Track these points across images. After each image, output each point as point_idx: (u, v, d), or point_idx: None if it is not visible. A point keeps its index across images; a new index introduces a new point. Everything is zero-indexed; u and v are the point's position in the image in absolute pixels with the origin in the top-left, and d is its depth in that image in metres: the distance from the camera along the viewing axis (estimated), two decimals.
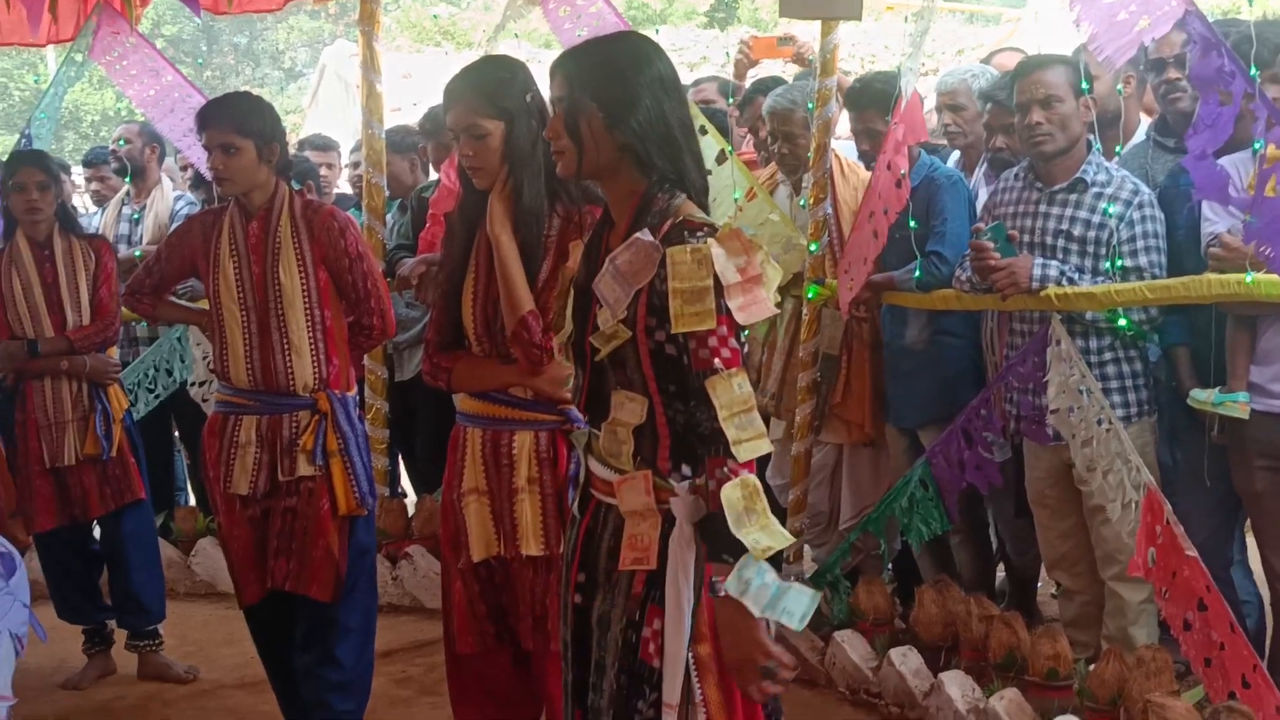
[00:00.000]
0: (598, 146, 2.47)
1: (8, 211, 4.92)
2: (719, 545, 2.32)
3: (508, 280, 3.20)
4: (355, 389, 4.13)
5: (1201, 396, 3.89)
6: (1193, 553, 3.63)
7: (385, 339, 4.17)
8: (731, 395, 2.32)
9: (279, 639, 4.04)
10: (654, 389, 2.42)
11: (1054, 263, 4.06)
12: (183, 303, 4.42)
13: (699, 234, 2.36)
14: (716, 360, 2.33)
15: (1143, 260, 4.07)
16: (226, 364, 3.91)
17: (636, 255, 2.38)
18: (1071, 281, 4.02)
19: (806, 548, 5.41)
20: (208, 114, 3.93)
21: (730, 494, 2.30)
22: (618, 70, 2.48)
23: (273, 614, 4.02)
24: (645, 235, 2.38)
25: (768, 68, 6.79)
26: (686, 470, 2.42)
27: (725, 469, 2.31)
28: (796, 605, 2.30)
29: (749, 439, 2.33)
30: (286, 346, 3.86)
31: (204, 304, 4.19)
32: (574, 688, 2.59)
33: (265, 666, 4.15)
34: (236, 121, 3.85)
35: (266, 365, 3.87)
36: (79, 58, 6.05)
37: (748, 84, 6.08)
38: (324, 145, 7.11)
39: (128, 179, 6.61)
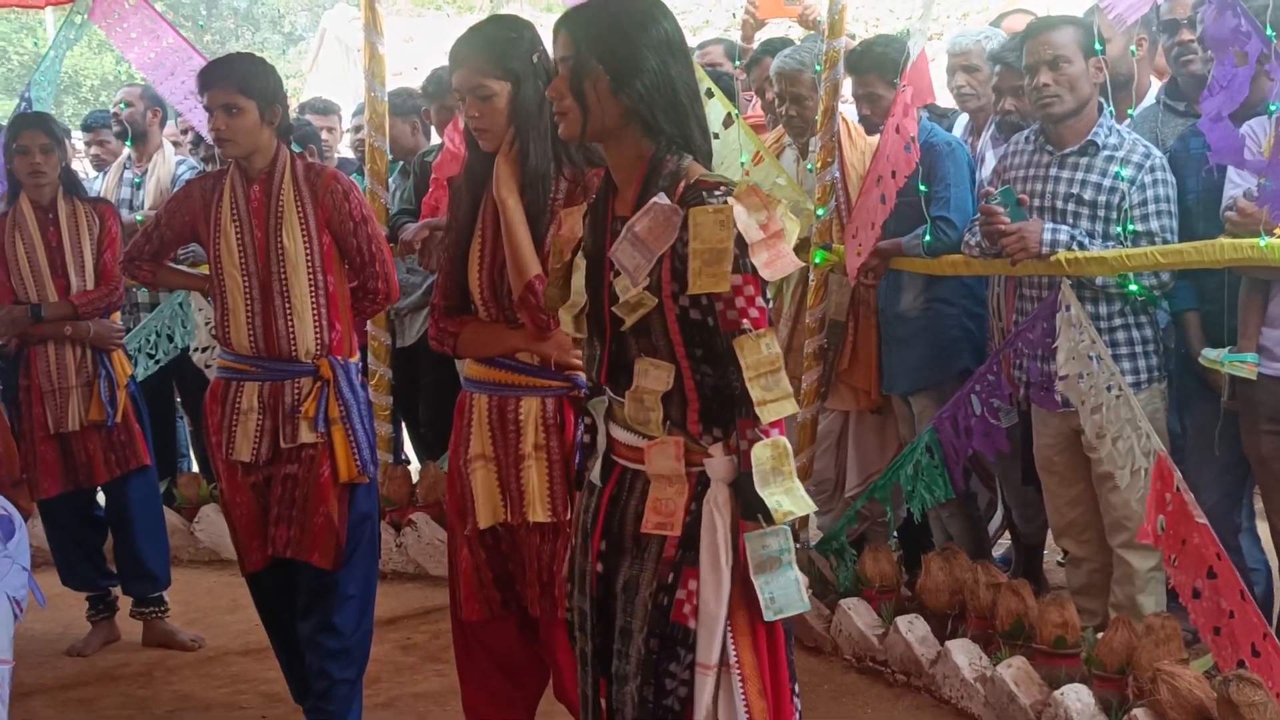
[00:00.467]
0: (603, 109, 2.44)
1: (11, 175, 4.89)
2: (752, 505, 2.35)
3: (514, 244, 3.17)
4: (358, 355, 4.09)
5: (1211, 355, 3.89)
6: (1203, 520, 3.61)
7: (389, 304, 4.13)
8: (759, 355, 2.33)
9: (282, 606, 4.03)
10: (681, 354, 2.41)
11: (1064, 227, 4.03)
12: (183, 268, 4.39)
13: (717, 193, 2.35)
14: (745, 320, 2.34)
15: (1154, 225, 4.03)
16: (228, 329, 3.88)
17: (656, 220, 2.36)
18: (1082, 246, 3.99)
19: (812, 515, 5.39)
20: (210, 74, 3.88)
21: (760, 453, 2.34)
22: (624, 31, 2.44)
23: (275, 581, 4.00)
24: (662, 199, 2.36)
25: (774, 29, 6.72)
26: (718, 433, 2.43)
27: (755, 430, 2.34)
28: (784, 593, 2.37)
29: (774, 399, 2.35)
30: (289, 312, 3.83)
31: (205, 269, 4.15)
32: (595, 655, 2.57)
33: (268, 634, 4.14)
34: (239, 82, 3.80)
35: (269, 331, 3.83)
36: (78, 19, 6.00)
37: (755, 46, 6.02)
38: (325, 109, 7.05)
39: (128, 143, 6.58)
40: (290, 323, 3.83)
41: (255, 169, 3.87)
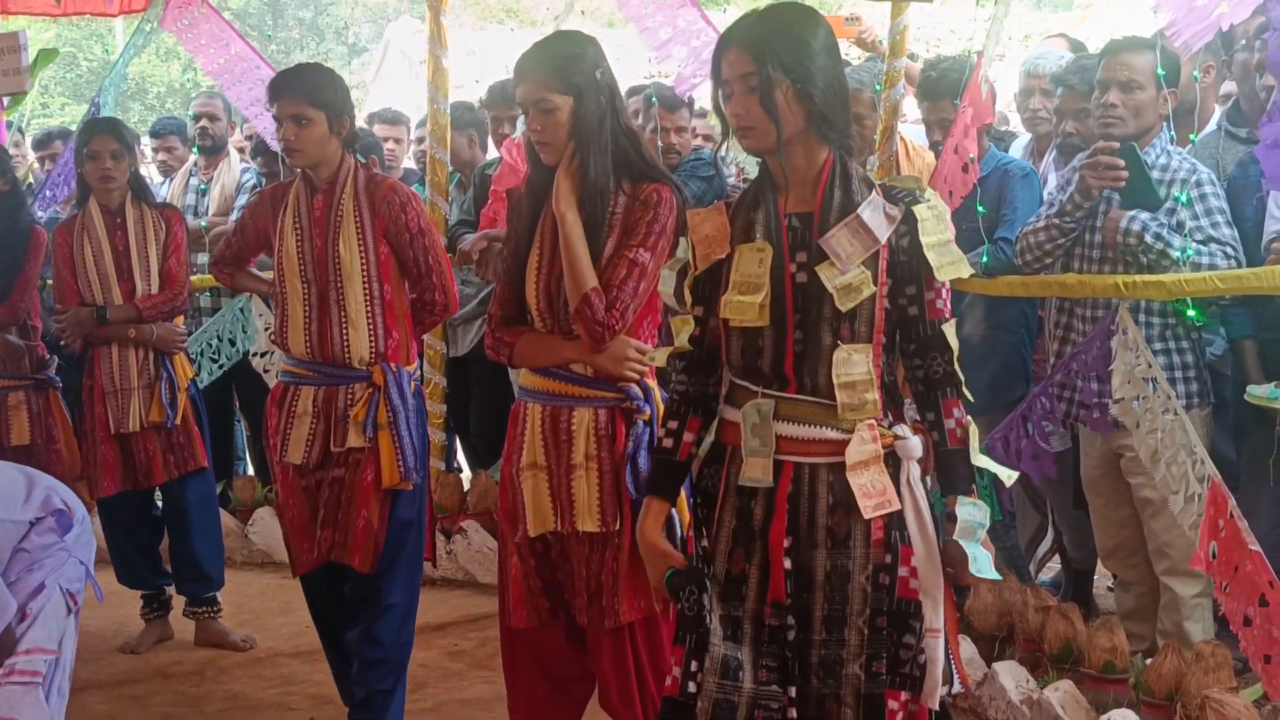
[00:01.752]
0: (792, 117, 2.54)
1: (81, 179, 4.98)
2: (959, 480, 2.59)
3: (571, 257, 3.20)
4: (416, 363, 4.12)
5: (1257, 391, 3.85)
6: (1256, 547, 3.58)
7: (448, 315, 4.14)
8: (955, 341, 2.58)
9: (332, 609, 4.07)
10: (877, 341, 2.56)
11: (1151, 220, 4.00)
12: (259, 274, 4.45)
13: (919, 194, 2.57)
14: (947, 310, 2.58)
15: (1225, 232, 3.99)
16: (286, 335, 3.93)
17: (877, 213, 2.54)
18: (1159, 237, 3.96)
19: None
20: (280, 85, 3.92)
21: (972, 430, 2.60)
22: (799, 38, 2.55)
23: (325, 584, 4.04)
24: (878, 197, 2.55)
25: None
26: (893, 416, 2.62)
27: (961, 409, 2.59)
28: (983, 558, 2.56)
29: (961, 381, 2.61)
30: (343, 320, 3.87)
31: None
32: (794, 655, 2.59)
33: (320, 636, 4.18)
34: (309, 93, 3.85)
35: (324, 337, 3.88)
36: (149, 26, 6.10)
37: None
38: (393, 119, 7.11)
39: (196, 149, 6.67)
40: (345, 330, 3.87)
41: (321, 178, 3.92)
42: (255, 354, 6.13)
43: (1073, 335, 4.25)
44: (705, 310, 2.71)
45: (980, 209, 4.41)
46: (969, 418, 2.59)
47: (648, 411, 3.00)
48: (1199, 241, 3.96)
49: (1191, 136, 4.44)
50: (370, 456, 3.88)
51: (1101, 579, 5.29)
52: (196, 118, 6.65)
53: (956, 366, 2.57)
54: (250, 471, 6.92)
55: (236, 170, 6.61)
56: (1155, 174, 4.06)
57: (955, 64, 4.97)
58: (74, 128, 5.72)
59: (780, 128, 2.53)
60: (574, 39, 3.35)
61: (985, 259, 4.45)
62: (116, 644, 5.09)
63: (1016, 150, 5.27)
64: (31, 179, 6.92)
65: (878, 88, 4.85)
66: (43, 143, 7.17)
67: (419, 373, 4.23)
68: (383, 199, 3.89)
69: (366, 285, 3.87)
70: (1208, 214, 4.01)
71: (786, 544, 2.59)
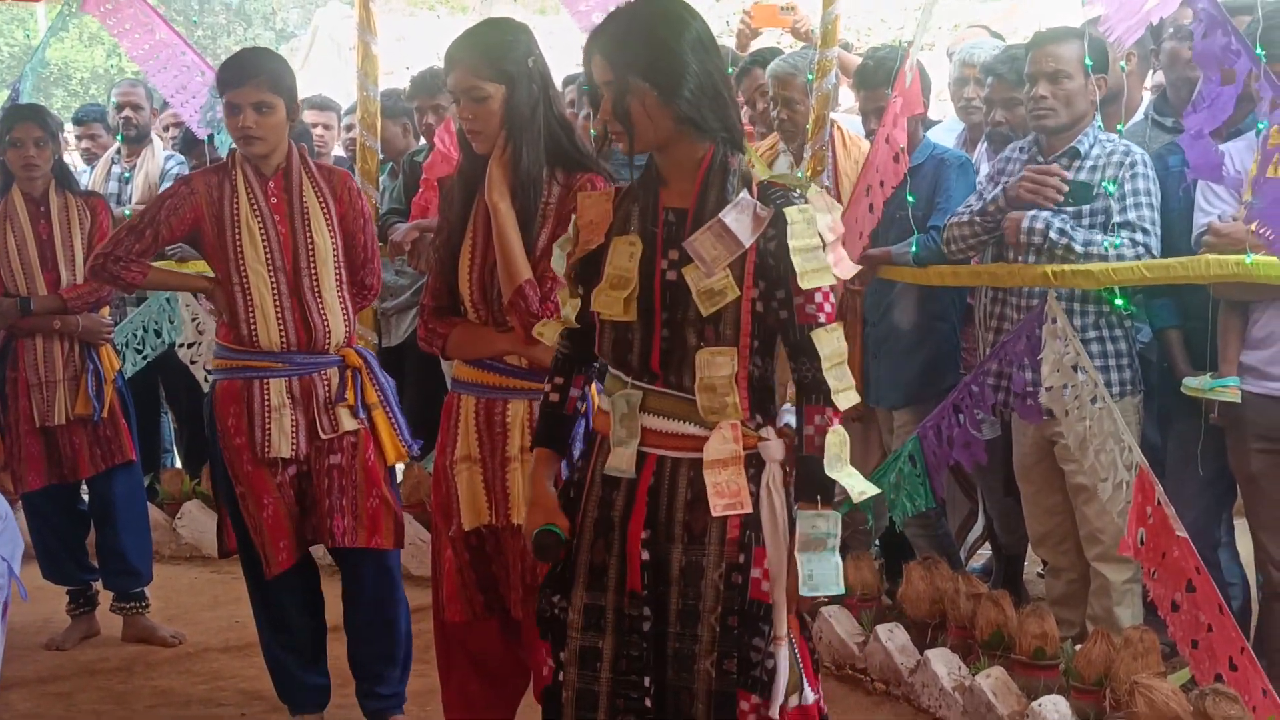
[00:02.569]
0: (654, 123, 2.52)
1: (4, 167, 4.88)
2: (811, 486, 2.52)
3: (505, 248, 3.17)
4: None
5: (1194, 384, 3.90)
6: (1183, 534, 3.64)
7: (374, 300, 4.25)
8: (834, 347, 2.51)
9: (295, 607, 4.03)
10: (744, 344, 2.53)
11: (1054, 217, 4.04)
12: (177, 270, 4.36)
13: (794, 194, 2.51)
14: (821, 315, 2.51)
15: (1131, 215, 4.02)
16: (254, 327, 3.82)
17: (743, 215, 2.48)
18: (1063, 233, 4.00)
19: None
20: (238, 71, 3.79)
21: (832, 439, 2.51)
22: (661, 41, 2.50)
23: (298, 581, 4.01)
24: (748, 197, 2.49)
25: (767, 39, 6.75)
26: (760, 419, 2.59)
27: (824, 416, 2.51)
28: (823, 573, 2.51)
29: (845, 389, 2.53)
30: (321, 306, 3.84)
31: (188, 267, 4.12)
32: (650, 645, 2.60)
33: (269, 636, 4.07)
34: (271, 79, 3.77)
35: (300, 326, 3.83)
36: (70, 9, 5.98)
37: (746, 53, 6.04)
38: (323, 105, 7.00)
39: (119, 137, 6.56)
40: (324, 316, 3.85)
41: (271, 165, 3.85)
42: (181, 345, 6.04)
43: (1005, 325, 4.29)
44: (585, 292, 2.71)
45: (910, 198, 4.43)
46: (836, 427, 2.52)
47: (583, 406, 2.99)
48: (1117, 224, 4.00)
49: (1119, 126, 4.48)
50: (366, 437, 3.90)
51: (1031, 565, 5.35)
52: (120, 107, 6.53)
53: (825, 374, 2.50)
54: (178, 464, 6.83)
55: (160, 158, 6.51)
56: (1088, 164, 4.10)
57: (891, 52, 4.98)
58: None
59: (634, 134, 2.53)
60: (506, 26, 3.32)
61: (915, 248, 4.48)
62: (41, 640, 5.01)
63: (938, 135, 5.29)
64: None
65: (810, 76, 4.86)
66: None
67: None
68: (342, 185, 3.92)
69: (337, 270, 3.88)
70: (1132, 194, 4.04)
71: (644, 536, 2.60)
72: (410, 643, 4.09)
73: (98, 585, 5.11)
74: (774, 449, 2.57)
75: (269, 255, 3.82)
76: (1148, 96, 4.88)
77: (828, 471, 2.49)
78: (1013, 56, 4.55)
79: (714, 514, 2.54)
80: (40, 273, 4.78)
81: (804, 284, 2.48)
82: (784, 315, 2.53)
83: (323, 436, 3.86)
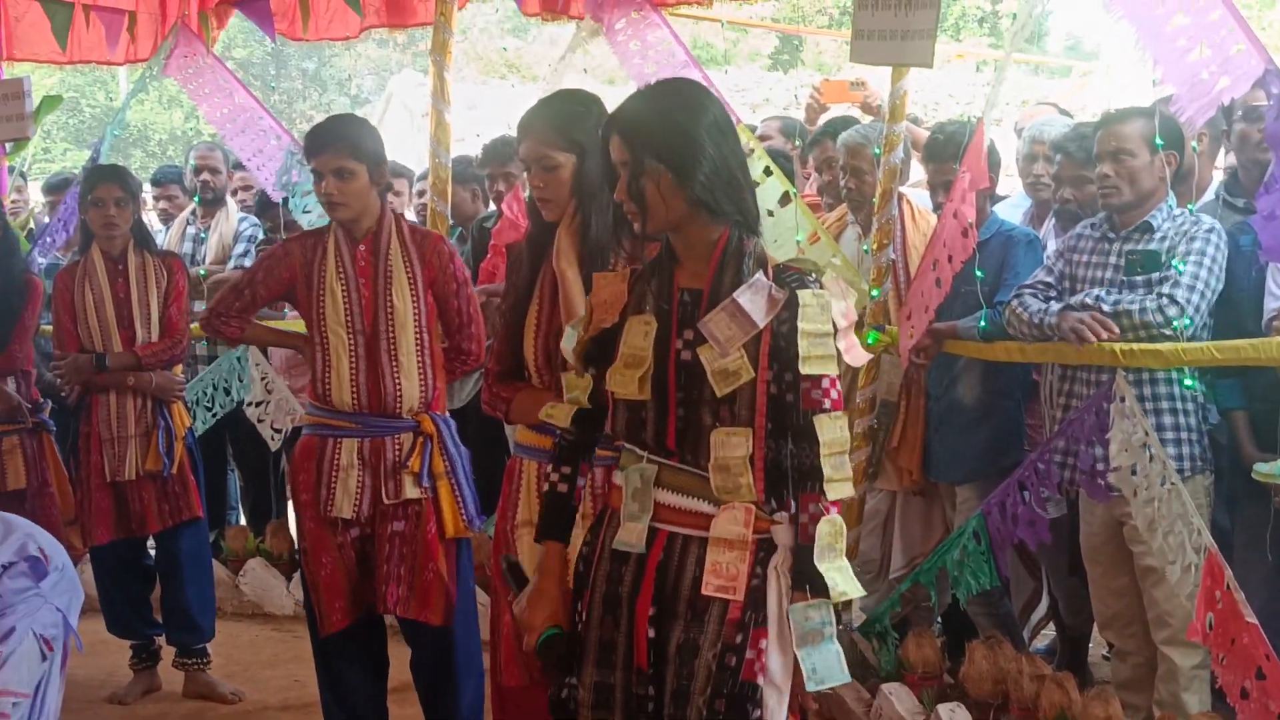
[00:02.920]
0: (667, 205, 2.53)
1: (85, 226, 5.00)
2: (802, 577, 2.50)
3: (571, 315, 3.20)
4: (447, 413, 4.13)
5: (1265, 469, 3.84)
6: (1253, 620, 3.57)
7: (479, 365, 4.14)
8: (835, 435, 2.49)
9: (352, 668, 4.03)
10: (759, 425, 2.51)
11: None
12: (274, 326, 4.43)
13: (810, 279, 2.50)
14: (826, 401, 2.50)
15: (1200, 275, 3.94)
16: (329, 387, 3.89)
17: (757, 296, 2.48)
18: (1099, 299, 3.98)
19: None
20: (321, 138, 3.88)
21: (823, 528, 2.49)
22: (678, 124, 2.52)
23: (357, 643, 4.01)
24: (763, 279, 2.49)
25: (839, 110, 6.81)
26: (775, 503, 2.56)
27: (819, 505, 2.48)
28: (826, 665, 2.48)
29: (840, 479, 2.50)
30: (396, 369, 3.87)
31: (288, 325, 4.17)
32: (656, 718, 2.58)
33: (329, 698, 4.09)
34: (352, 146, 3.84)
35: (374, 388, 3.87)
36: (151, 72, 6.12)
37: (815, 127, 6.08)
38: (395, 170, 7.10)
39: (196, 199, 6.68)
40: (397, 380, 3.87)
41: (361, 229, 3.91)
42: (250, 404, 6.11)
43: (1074, 401, 4.25)
44: (597, 373, 2.71)
45: (978, 273, 4.43)
46: (831, 516, 2.50)
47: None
48: (1159, 278, 3.96)
49: (1190, 206, 4.45)
50: (430, 507, 3.88)
51: (1097, 647, 5.26)
52: (197, 169, 6.66)
53: (822, 460, 2.48)
54: (243, 521, 6.89)
55: (235, 220, 6.63)
56: (1158, 235, 4.08)
57: (960, 127, 4.99)
58: (75, 173, 5.73)
59: (647, 216, 2.54)
60: (578, 97, 3.38)
61: (983, 324, 4.46)
62: (104, 694, 5.06)
63: (1004, 211, 5.28)
64: (33, 224, 6.94)
65: (877, 150, 4.88)
66: (55, 188, 7.19)
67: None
68: (432, 249, 3.94)
69: (418, 335, 3.89)
70: (1186, 254, 3.98)
71: (651, 612, 2.59)
72: (478, 708, 4.04)
73: (160, 640, 5.15)
74: (785, 534, 2.55)
75: (349, 317, 3.88)
76: (1219, 176, 4.85)
77: (817, 562, 2.47)
78: (1081, 135, 4.55)
79: (703, 591, 2.52)
80: (116, 330, 4.87)
81: (804, 369, 2.47)
82: (790, 398, 2.52)
83: (386, 501, 3.88)
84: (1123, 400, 4.00)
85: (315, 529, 3.92)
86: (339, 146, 3.83)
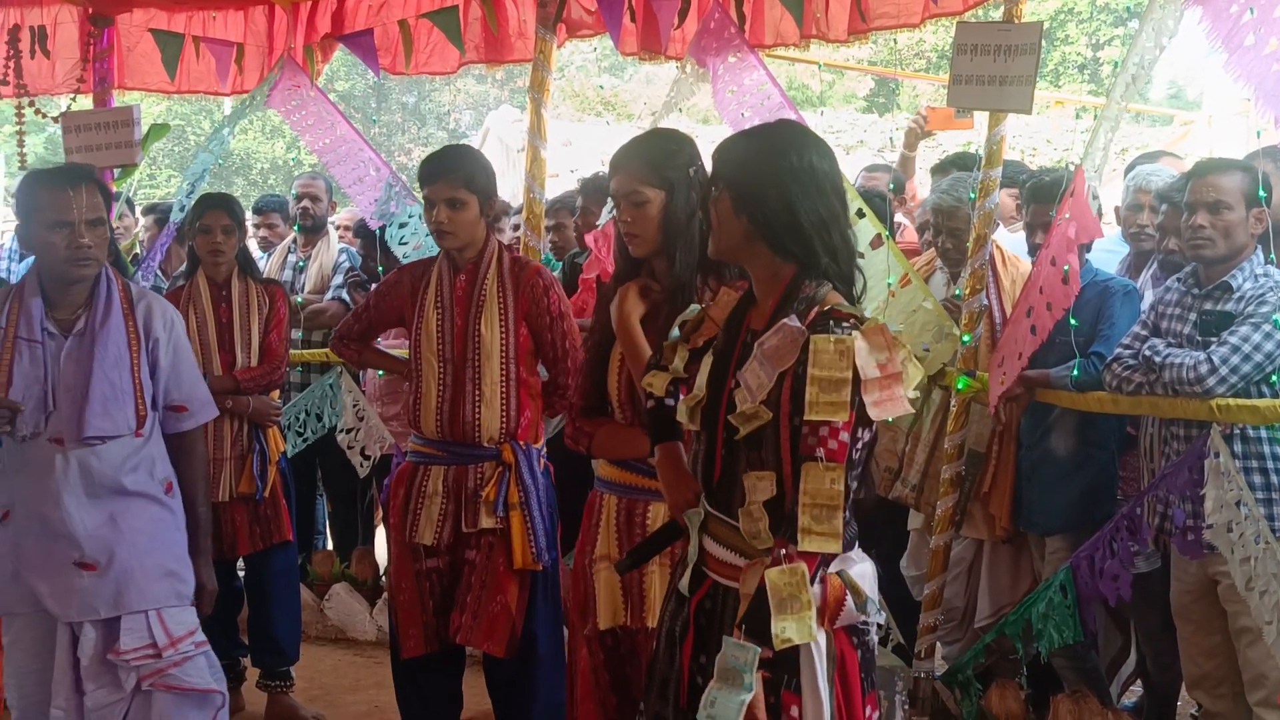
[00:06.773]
0: (723, 227, 2.59)
1: (192, 251, 5.11)
2: (747, 617, 2.40)
3: (632, 354, 3.22)
4: (543, 441, 4.14)
5: None
6: None
7: None
8: (820, 486, 2.38)
9: (433, 696, 4.06)
10: (788, 470, 2.46)
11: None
12: (388, 351, 4.50)
13: (844, 325, 2.42)
14: (820, 450, 2.39)
15: (1241, 330, 3.88)
16: (419, 413, 3.95)
17: (783, 340, 2.45)
18: (1155, 350, 3.97)
19: (938, 644, 5.28)
20: (435, 168, 3.95)
21: (775, 578, 2.36)
22: (750, 161, 2.58)
23: (433, 671, 4.03)
24: (793, 321, 2.45)
25: (944, 139, 6.81)
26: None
27: (784, 551, 2.38)
28: (724, 709, 2.37)
29: (819, 533, 2.38)
30: (477, 398, 3.90)
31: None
32: None
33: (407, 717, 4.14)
34: (465, 177, 3.90)
35: (455, 416, 3.91)
36: (256, 100, 6.24)
37: (915, 154, 6.06)
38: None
39: (296, 228, 6.80)
40: (477, 409, 3.90)
41: (465, 259, 3.97)
42: (341, 430, 6.20)
43: (1171, 455, 4.17)
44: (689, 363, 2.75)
45: (1073, 322, 4.37)
46: (795, 565, 2.37)
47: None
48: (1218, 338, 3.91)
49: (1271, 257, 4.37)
50: (503, 538, 3.89)
51: (1185, 705, 5.13)
52: (299, 197, 6.79)
53: (799, 509, 2.38)
54: (329, 546, 6.96)
55: (335, 249, 6.73)
56: (1235, 295, 4.01)
57: (1063, 173, 4.95)
58: (183, 200, 5.85)
59: (714, 236, 2.62)
60: (671, 136, 3.40)
61: (1076, 373, 4.40)
62: None
63: (1099, 259, 5.19)
64: (139, 249, 7.09)
65: (972, 195, 4.85)
66: (157, 213, 7.36)
67: (544, 450, 4.21)
68: (528, 281, 3.95)
69: (504, 365, 3.91)
70: (1249, 318, 3.92)
71: (702, 660, 2.58)
72: None
73: (246, 661, 5.22)
74: (816, 590, 2.45)
75: (440, 345, 3.93)
76: None
77: (772, 611, 2.35)
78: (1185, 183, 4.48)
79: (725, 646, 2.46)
80: (218, 353, 4.95)
81: (808, 414, 2.39)
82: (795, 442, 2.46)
83: (464, 530, 3.91)
84: (1217, 455, 3.92)
85: (399, 554, 3.97)
86: (453, 177, 3.89)
